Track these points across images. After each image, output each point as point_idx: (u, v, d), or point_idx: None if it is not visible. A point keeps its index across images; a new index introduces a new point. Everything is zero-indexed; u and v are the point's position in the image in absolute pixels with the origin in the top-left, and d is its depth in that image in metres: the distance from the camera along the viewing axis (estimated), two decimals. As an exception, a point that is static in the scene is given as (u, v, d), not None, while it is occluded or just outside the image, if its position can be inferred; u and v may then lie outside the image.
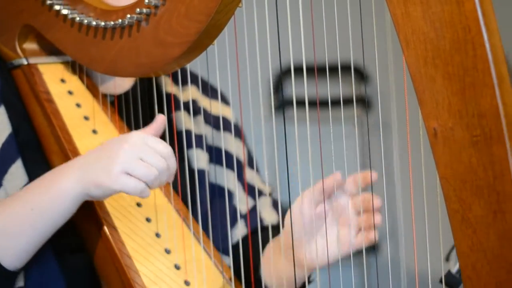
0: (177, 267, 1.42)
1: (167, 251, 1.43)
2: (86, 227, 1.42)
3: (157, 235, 1.45)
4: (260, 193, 1.63)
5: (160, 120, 1.41)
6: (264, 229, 1.57)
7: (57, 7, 1.46)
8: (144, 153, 1.34)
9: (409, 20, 1.11)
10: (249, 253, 1.50)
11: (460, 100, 1.09)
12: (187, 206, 1.50)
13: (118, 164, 1.33)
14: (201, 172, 1.57)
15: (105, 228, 1.39)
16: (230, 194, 1.59)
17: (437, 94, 1.11)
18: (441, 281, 1.60)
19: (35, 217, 1.36)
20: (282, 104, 2.94)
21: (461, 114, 1.09)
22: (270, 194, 1.66)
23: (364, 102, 3.10)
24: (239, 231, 1.59)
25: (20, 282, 1.41)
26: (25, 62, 1.54)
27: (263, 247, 1.50)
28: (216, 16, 1.30)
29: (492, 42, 1.08)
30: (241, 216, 1.60)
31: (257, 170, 1.68)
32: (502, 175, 1.08)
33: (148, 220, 1.46)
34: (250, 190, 1.63)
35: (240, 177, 1.63)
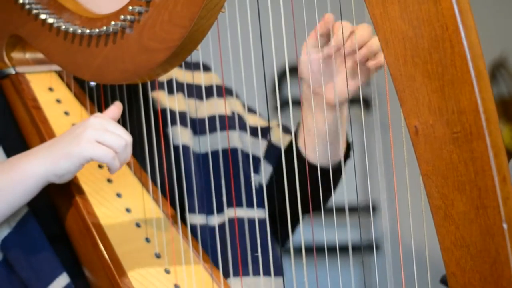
0: (167, 272, 1.43)
1: (157, 256, 1.44)
2: (74, 232, 1.43)
3: (147, 240, 1.46)
4: (267, 129, 1.65)
5: (117, 105, 1.46)
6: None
7: (43, 16, 1.47)
8: (108, 124, 1.40)
9: (387, 20, 1.12)
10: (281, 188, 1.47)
11: (439, 98, 1.10)
12: (173, 182, 1.51)
13: (88, 132, 1.38)
14: (186, 148, 1.58)
15: (95, 233, 1.40)
16: (236, 152, 1.59)
17: (417, 92, 1.12)
18: (441, 281, 1.61)
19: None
20: (284, 104, 2.94)
21: (441, 111, 1.10)
22: (278, 125, 1.66)
23: (366, 102, 3.11)
24: (266, 173, 1.61)
25: None
26: (13, 72, 1.55)
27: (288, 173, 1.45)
28: (199, 21, 1.31)
29: (470, 39, 1.09)
30: (259, 161, 1.61)
31: (255, 112, 1.69)
32: (483, 171, 1.09)
33: (137, 225, 1.47)
34: (256, 132, 1.64)
35: (242, 126, 1.64)
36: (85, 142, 1.37)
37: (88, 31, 1.42)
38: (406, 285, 1.32)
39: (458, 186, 1.10)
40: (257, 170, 1.60)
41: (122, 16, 1.37)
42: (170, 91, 1.61)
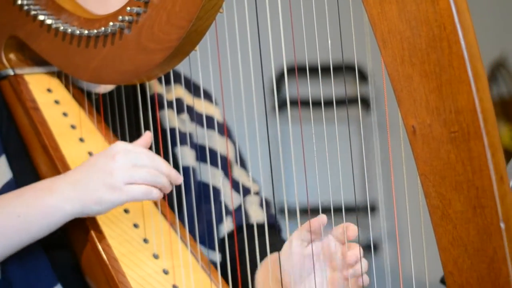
0: (165, 272, 1.43)
1: (155, 256, 1.44)
2: (73, 232, 1.43)
3: (145, 240, 1.46)
4: (247, 190, 1.64)
5: (147, 136, 1.43)
6: (250, 226, 1.58)
7: (41, 17, 1.48)
8: (135, 159, 1.37)
9: (385, 20, 1.13)
10: (234, 248, 1.50)
11: (437, 97, 1.11)
12: (173, 205, 1.51)
13: (117, 176, 1.35)
14: (188, 169, 1.58)
15: (92, 232, 1.40)
16: (217, 191, 1.59)
17: (414, 92, 1.12)
18: (441, 281, 1.61)
19: (21, 224, 1.37)
20: (282, 104, 2.95)
21: (439, 111, 1.11)
22: (257, 193, 1.66)
23: (364, 102, 3.11)
24: (225, 227, 1.60)
25: None
26: (11, 73, 1.55)
27: (249, 244, 1.48)
28: (197, 22, 1.31)
29: (467, 39, 1.09)
30: (227, 212, 1.61)
31: (245, 168, 1.69)
32: (481, 170, 1.09)
33: (135, 226, 1.47)
34: (237, 187, 1.63)
35: (227, 174, 1.63)
36: (119, 188, 1.34)
37: (86, 32, 1.42)
38: (404, 285, 1.32)
39: (455, 186, 1.11)
40: (220, 219, 1.59)
41: (120, 17, 1.37)
42: (174, 110, 1.61)
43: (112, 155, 1.37)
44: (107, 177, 1.35)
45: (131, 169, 1.35)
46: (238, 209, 1.62)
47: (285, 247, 1.39)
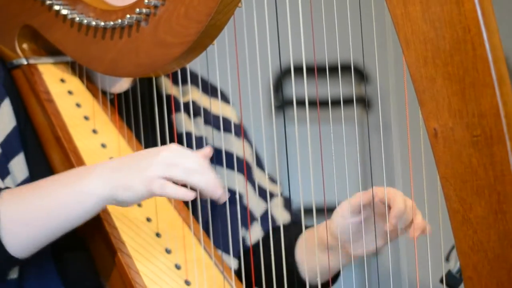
0: (177, 267, 1.42)
1: (168, 251, 1.43)
2: (86, 227, 1.42)
3: (158, 235, 1.45)
4: (271, 194, 1.64)
5: (207, 150, 1.38)
6: (277, 229, 1.58)
7: (56, 7, 1.46)
8: (178, 158, 1.33)
9: (408, 20, 1.11)
10: (265, 255, 1.52)
11: (460, 100, 1.09)
12: (189, 208, 1.50)
13: (153, 169, 1.31)
14: None
15: (106, 227, 1.39)
16: (233, 194, 1.57)
17: (437, 94, 1.11)
18: (441, 281, 1.60)
19: (55, 209, 1.34)
20: (283, 104, 2.94)
21: (461, 114, 1.09)
22: (281, 194, 1.65)
23: (364, 102, 3.10)
24: (255, 234, 1.61)
25: (14, 274, 1.40)
26: (24, 62, 1.53)
27: (276, 248, 1.49)
28: (215, 16, 1.30)
29: (492, 42, 1.08)
30: (253, 218, 1.61)
31: (263, 169, 1.67)
32: (503, 175, 1.08)
33: (148, 220, 1.46)
34: (261, 192, 1.62)
35: (249, 178, 1.62)
36: (150, 178, 1.31)
37: (102, 23, 1.40)
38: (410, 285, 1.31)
39: (477, 190, 1.09)
40: (245, 225, 1.59)
41: (137, 9, 1.36)
42: (190, 113, 1.59)
43: (159, 150, 1.34)
44: (144, 168, 1.32)
45: (169, 165, 1.32)
46: (265, 214, 1.62)
47: (336, 214, 1.47)
